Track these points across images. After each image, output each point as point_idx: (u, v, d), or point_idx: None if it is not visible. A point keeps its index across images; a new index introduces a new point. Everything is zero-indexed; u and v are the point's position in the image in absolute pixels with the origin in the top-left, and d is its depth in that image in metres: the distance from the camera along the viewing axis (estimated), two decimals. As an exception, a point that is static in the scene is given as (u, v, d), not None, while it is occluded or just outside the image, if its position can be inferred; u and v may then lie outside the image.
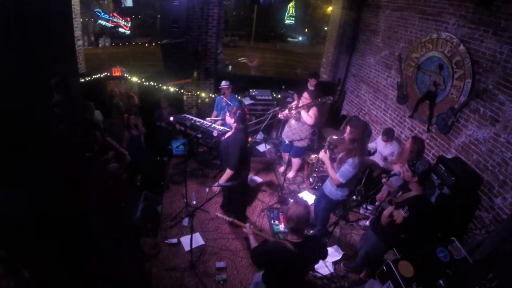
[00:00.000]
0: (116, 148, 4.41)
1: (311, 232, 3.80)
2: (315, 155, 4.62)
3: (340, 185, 3.26)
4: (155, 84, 5.71)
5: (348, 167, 3.11)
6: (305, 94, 4.41)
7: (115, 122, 4.92)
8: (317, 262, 2.45)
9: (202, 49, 5.98)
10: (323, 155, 3.40)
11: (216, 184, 3.44)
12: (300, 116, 4.49)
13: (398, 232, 2.74)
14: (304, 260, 2.19)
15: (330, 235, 3.64)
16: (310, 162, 4.77)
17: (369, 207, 4.53)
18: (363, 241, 3.25)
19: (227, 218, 2.78)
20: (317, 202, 3.78)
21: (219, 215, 2.85)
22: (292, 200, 4.39)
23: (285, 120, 4.92)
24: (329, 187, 3.45)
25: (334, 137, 3.91)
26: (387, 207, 2.72)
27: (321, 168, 4.73)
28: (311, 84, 5.29)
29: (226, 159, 3.46)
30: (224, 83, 4.95)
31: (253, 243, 2.43)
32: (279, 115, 4.76)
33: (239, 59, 10.49)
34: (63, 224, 2.03)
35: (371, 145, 4.82)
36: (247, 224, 2.58)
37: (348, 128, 3.21)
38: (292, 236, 2.18)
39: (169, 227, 3.91)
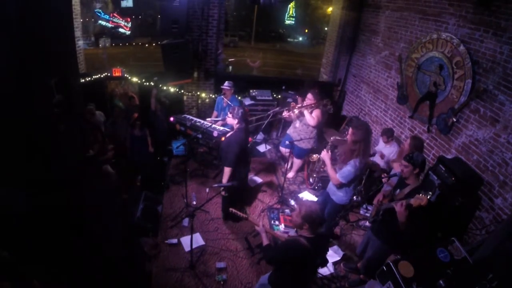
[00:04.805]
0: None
1: None
2: (317, 154, 4.62)
3: (340, 186, 3.24)
4: (155, 84, 5.71)
5: (349, 168, 3.10)
6: (309, 95, 4.42)
7: (118, 121, 4.91)
8: (325, 259, 2.43)
9: (202, 50, 5.98)
10: (325, 154, 3.39)
11: (217, 184, 3.44)
12: (302, 117, 4.49)
13: (413, 224, 2.67)
14: (316, 255, 2.21)
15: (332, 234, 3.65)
16: (311, 160, 4.77)
17: (369, 207, 4.52)
18: (364, 245, 3.23)
19: (242, 215, 2.79)
20: (321, 204, 3.74)
21: (234, 211, 2.85)
22: (298, 201, 4.38)
23: (287, 121, 4.90)
24: (334, 190, 3.41)
25: (337, 138, 3.90)
26: (390, 208, 2.70)
27: (321, 169, 4.73)
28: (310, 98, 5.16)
29: (225, 158, 3.46)
30: (226, 84, 4.90)
31: (265, 241, 2.45)
32: (283, 114, 4.69)
33: (234, 58, 10.36)
34: (63, 224, 2.03)
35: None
36: (260, 223, 2.61)
37: (350, 129, 3.17)
38: (305, 232, 2.20)
39: (169, 227, 3.91)
